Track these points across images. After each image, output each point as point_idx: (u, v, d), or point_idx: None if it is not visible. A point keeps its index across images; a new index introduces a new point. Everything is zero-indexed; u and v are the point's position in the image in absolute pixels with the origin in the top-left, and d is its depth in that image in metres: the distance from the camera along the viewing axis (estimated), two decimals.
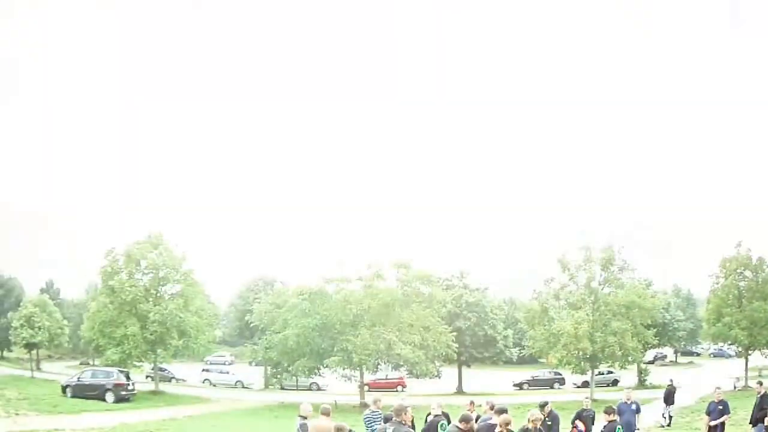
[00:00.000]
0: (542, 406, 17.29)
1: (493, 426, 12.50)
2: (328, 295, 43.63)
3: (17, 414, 29.40)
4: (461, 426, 12.28)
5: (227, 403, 41.97)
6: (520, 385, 58.69)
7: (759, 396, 18.98)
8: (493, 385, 58.40)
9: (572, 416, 19.63)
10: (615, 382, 58.28)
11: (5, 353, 74.95)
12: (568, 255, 46.77)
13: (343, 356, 41.76)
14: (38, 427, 25.26)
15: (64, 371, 56.94)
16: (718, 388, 20.50)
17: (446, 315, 47.14)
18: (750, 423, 18.66)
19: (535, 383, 59.09)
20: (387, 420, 13.56)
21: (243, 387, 56.07)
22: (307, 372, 47.71)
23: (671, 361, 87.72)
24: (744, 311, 49.17)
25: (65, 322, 55.98)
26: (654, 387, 49.76)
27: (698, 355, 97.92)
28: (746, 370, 51.95)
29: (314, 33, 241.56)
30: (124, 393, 38.91)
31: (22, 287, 79.31)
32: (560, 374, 58.32)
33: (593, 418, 18.92)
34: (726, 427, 19.73)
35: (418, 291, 44.98)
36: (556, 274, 47.36)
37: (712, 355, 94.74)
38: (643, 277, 63.29)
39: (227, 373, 59.35)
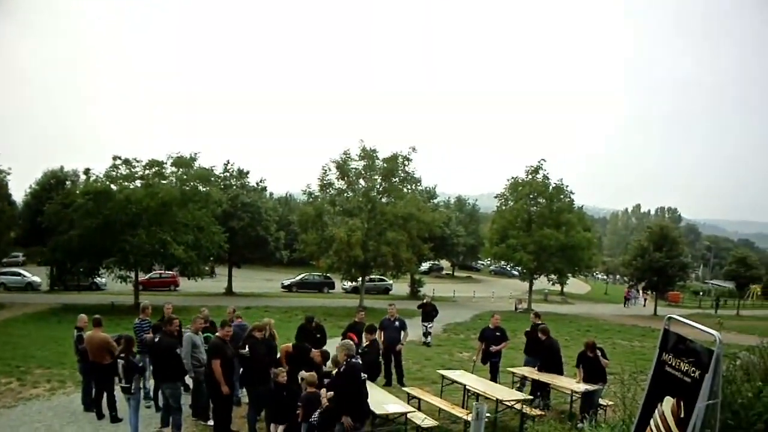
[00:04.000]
0: (309, 319, 17.29)
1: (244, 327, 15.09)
2: (113, 195, 41.50)
3: None
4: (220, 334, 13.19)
5: (18, 308, 40.05)
6: (289, 287, 58.82)
7: (531, 326, 18.70)
8: (262, 286, 59.11)
9: (345, 329, 18.13)
10: (386, 290, 59.59)
11: None
12: (350, 162, 46.21)
13: (120, 257, 40.36)
14: None
15: None
16: (496, 315, 19.75)
17: (221, 215, 46.11)
18: (524, 352, 18.50)
19: (304, 286, 59.35)
20: (156, 329, 14.19)
21: (32, 289, 53.91)
22: (87, 273, 46.89)
23: (447, 274, 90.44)
24: (533, 236, 50.34)
25: None
26: (437, 299, 50.53)
27: (478, 270, 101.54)
28: (530, 292, 53.91)
29: None
30: None
31: None
32: (330, 278, 58.39)
33: (361, 332, 17.49)
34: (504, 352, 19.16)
35: (196, 190, 43.65)
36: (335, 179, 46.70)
37: (492, 272, 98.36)
38: (429, 187, 64.53)
39: (19, 275, 56.40)
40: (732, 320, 49.28)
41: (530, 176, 52.46)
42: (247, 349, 13.25)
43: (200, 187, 43.93)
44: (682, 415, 5.14)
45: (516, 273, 66.43)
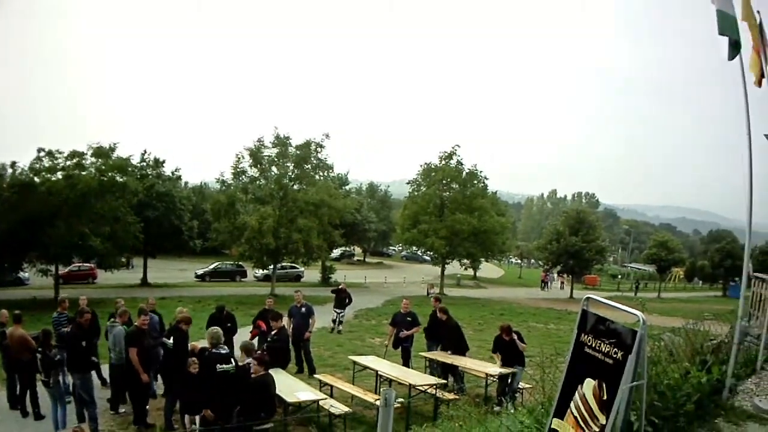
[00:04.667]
0: (220, 309, 17.83)
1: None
2: (36, 187, 40.31)
3: None
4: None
5: None
6: (202, 277, 57.92)
7: (433, 310, 18.29)
8: (176, 276, 57.77)
9: (255, 317, 18.38)
10: (298, 278, 58.80)
11: None
12: (264, 150, 45.93)
13: (41, 251, 39.86)
14: None
15: None
16: (405, 300, 19.50)
17: (136, 205, 45.02)
18: (426, 337, 18.15)
19: (217, 275, 58.52)
20: (72, 322, 14.35)
21: None
22: (12, 267, 45.23)
23: (359, 261, 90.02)
24: (445, 221, 50.43)
25: None
26: (348, 285, 50.29)
27: (389, 256, 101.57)
28: (442, 277, 54.21)
29: None
30: None
31: None
32: (242, 267, 57.94)
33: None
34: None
35: (114, 180, 42.48)
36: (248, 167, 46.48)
37: (404, 258, 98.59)
38: (341, 174, 64.10)
39: None
40: (653, 302, 50.35)
41: (444, 162, 52.65)
42: (171, 339, 13.35)
43: (118, 178, 43.13)
44: (604, 397, 4.96)
45: (428, 258, 66.47)
